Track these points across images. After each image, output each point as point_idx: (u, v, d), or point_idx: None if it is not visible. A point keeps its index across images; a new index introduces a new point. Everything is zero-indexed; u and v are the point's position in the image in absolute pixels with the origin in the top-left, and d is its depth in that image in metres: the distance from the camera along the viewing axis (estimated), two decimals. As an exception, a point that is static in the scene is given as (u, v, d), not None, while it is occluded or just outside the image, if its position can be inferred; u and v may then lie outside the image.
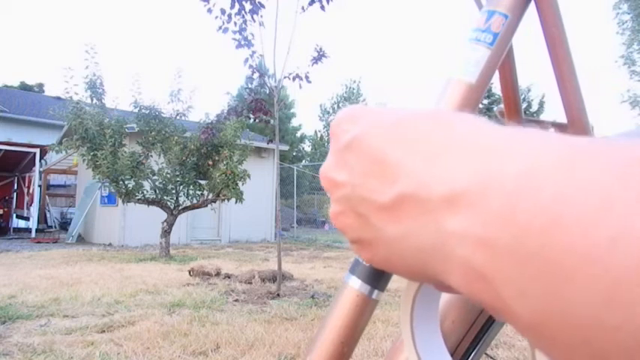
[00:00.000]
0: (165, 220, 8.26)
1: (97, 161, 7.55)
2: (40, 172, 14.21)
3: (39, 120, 18.33)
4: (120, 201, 8.68)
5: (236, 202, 8.15)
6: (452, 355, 0.44)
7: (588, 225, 0.13)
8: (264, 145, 11.57)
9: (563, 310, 0.14)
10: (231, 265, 7.08)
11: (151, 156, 8.34)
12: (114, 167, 7.55)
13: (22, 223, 14.78)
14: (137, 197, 8.16)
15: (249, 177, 8.19)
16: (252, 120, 5.73)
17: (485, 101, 20.17)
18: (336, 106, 31.41)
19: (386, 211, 0.21)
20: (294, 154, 29.60)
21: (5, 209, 14.60)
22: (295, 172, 16.48)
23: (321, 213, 20.81)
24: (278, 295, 4.61)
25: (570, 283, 0.13)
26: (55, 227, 14.88)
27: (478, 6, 0.43)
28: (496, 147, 0.17)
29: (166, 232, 8.19)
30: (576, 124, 0.47)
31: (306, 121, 64.52)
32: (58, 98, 11.05)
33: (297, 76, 4.95)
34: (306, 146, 32.32)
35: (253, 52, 4.79)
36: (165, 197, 8.41)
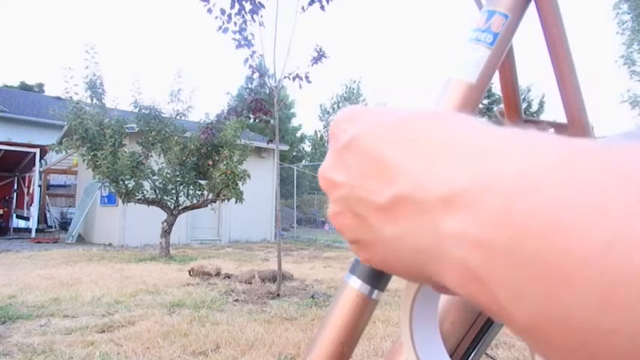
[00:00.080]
0: (165, 220, 8.27)
1: (97, 161, 7.55)
2: (40, 172, 14.21)
3: (39, 120, 18.33)
4: (120, 201, 8.69)
5: (236, 202, 8.15)
6: (452, 355, 0.44)
7: (585, 228, 0.13)
8: (264, 145, 11.57)
9: (559, 313, 0.14)
10: (231, 265, 7.08)
11: (151, 156, 8.34)
12: (114, 167, 7.55)
13: (22, 223, 14.78)
14: (137, 197, 8.16)
15: (249, 177, 8.19)
16: (252, 120, 5.73)
17: (485, 101, 20.16)
18: (336, 106, 31.41)
19: (383, 212, 0.21)
20: (294, 154, 29.61)
21: (5, 209, 14.60)
22: (295, 172, 16.48)
23: (321, 213, 20.82)
24: (278, 295, 4.61)
25: (567, 287, 0.13)
26: (55, 227, 14.88)
27: (478, 6, 0.43)
28: (494, 148, 0.17)
29: (166, 232, 8.19)
30: (576, 124, 0.47)
31: (306, 121, 64.56)
32: (58, 98, 11.05)
33: (297, 76, 4.95)
34: (306, 146, 32.34)
35: (253, 52, 4.79)
36: (165, 197, 8.41)
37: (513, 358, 2.75)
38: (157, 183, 8.35)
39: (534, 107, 24.22)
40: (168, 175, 8.36)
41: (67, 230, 13.29)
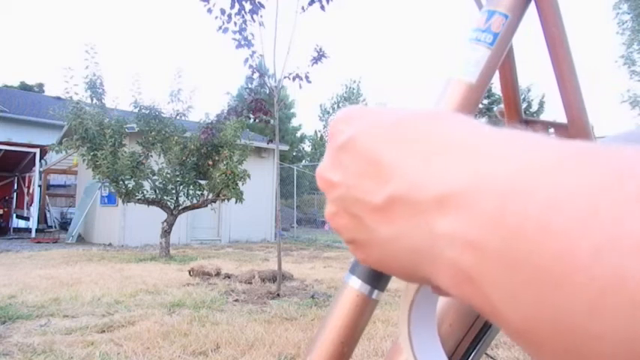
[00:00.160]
0: (165, 220, 8.27)
1: (97, 161, 7.55)
2: (40, 172, 14.21)
3: (39, 120, 18.33)
4: (120, 201, 8.69)
5: (236, 202, 8.15)
6: (452, 356, 0.44)
7: (575, 232, 0.13)
8: (264, 145, 11.57)
9: (551, 317, 0.14)
10: (231, 265, 7.08)
11: (151, 156, 8.34)
12: (114, 167, 7.55)
13: (22, 223, 14.78)
14: (137, 197, 8.16)
15: (249, 177, 8.19)
16: (252, 120, 5.73)
17: (485, 101, 20.17)
18: (336, 106, 31.41)
19: (379, 212, 0.21)
20: (294, 154, 29.61)
21: (5, 209, 14.60)
22: (295, 172, 16.48)
23: (321, 213, 20.78)
24: (278, 295, 4.61)
25: (558, 291, 0.13)
26: (55, 227, 14.89)
27: (478, 6, 0.43)
28: (490, 150, 0.17)
29: (166, 232, 8.19)
30: (576, 124, 0.47)
31: (306, 121, 64.53)
32: (58, 98, 11.06)
33: (297, 76, 4.95)
34: (306, 146, 32.34)
35: (253, 52, 4.79)
36: (165, 197, 8.42)
37: (513, 358, 2.75)
38: (157, 183, 8.35)
39: (534, 107, 24.22)
40: (168, 175, 8.36)
41: (67, 230, 13.29)
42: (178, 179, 8.41)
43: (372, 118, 0.23)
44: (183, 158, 8.30)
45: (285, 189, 19.88)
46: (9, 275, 5.57)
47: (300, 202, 21.20)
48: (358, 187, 0.22)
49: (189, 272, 5.77)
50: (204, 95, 49.70)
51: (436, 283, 0.19)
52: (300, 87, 5.02)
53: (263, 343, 3.01)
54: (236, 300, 4.44)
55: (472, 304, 0.17)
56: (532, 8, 0.39)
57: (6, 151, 12.82)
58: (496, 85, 0.49)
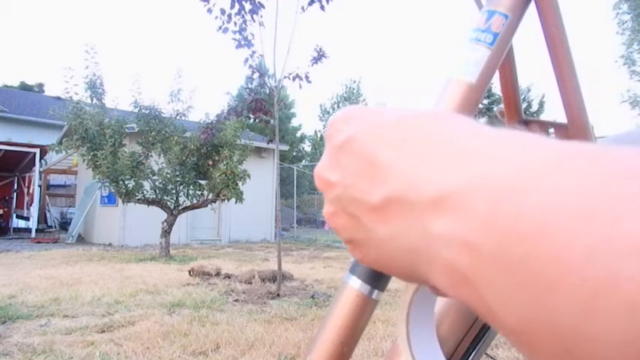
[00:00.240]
0: (165, 220, 8.27)
1: (97, 161, 7.55)
2: (40, 172, 14.21)
3: (39, 120, 18.33)
4: (120, 201, 8.69)
5: (236, 202, 8.15)
6: (452, 355, 0.44)
7: (569, 233, 0.13)
8: (264, 145, 11.57)
9: (545, 318, 0.14)
10: (231, 265, 7.08)
11: (151, 156, 8.34)
12: (114, 167, 7.55)
13: (22, 223, 14.78)
14: (137, 197, 8.16)
15: (249, 177, 8.19)
16: (252, 120, 5.73)
17: (485, 101, 20.17)
18: (336, 106, 31.41)
19: (376, 212, 0.21)
20: (294, 154, 29.61)
21: (5, 209, 14.60)
22: (295, 172, 16.48)
23: (321, 213, 20.66)
24: (278, 295, 4.61)
25: (552, 292, 0.13)
26: (55, 227, 14.89)
27: (478, 6, 0.43)
28: (487, 150, 0.17)
29: (166, 232, 8.19)
30: (576, 124, 0.47)
31: (306, 121, 64.50)
32: (58, 98, 11.06)
33: (297, 76, 4.95)
34: (306, 146, 32.33)
35: (253, 52, 4.79)
36: (165, 197, 8.42)
37: (513, 358, 2.75)
38: (157, 183, 8.35)
39: (534, 107, 24.22)
40: (168, 175, 8.36)
41: (67, 230, 13.29)
42: (178, 179, 8.41)
43: (371, 118, 0.24)
44: (183, 158, 8.30)
45: (285, 189, 19.88)
46: (9, 275, 5.57)
47: (300, 202, 21.19)
48: (355, 186, 0.22)
49: (189, 272, 5.77)
50: (204, 95, 49.75)
51: (433, 284, 0.19)
52: (300, 87, 5.02)
53: (263, 343, 3.01)
54: (236, 300, 4.44)
55: (468, 304, 0.17)
56: (532, 8, 0.39)
57: (6, 151, 12.82)
58: (496, 85, 0.49)
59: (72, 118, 7.63)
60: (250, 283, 5.27)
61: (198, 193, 8.64)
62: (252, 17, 4.63)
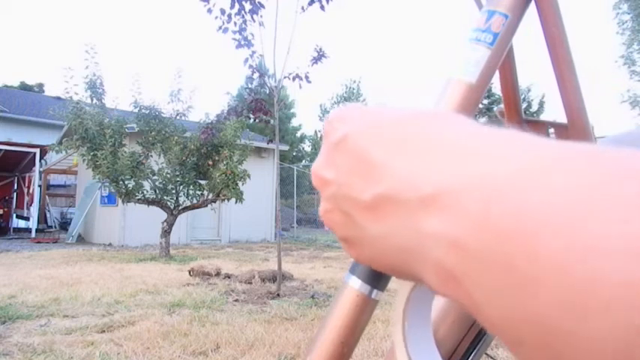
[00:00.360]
0: (165, 220, 8.27)
1: (97, 161, 7.55)
2: (40, 172, 14.21)
3: (39, 120, 18.33)
4: (120, 201, 8.69)
5: (236, 202, 8.15)
6: (452, 355, 0.44)
7: (550, 233, 0.14)
8: (264, 145, 11.57)
9: (529, 316, 0.14)
10: (231, 265, 7.08)
11: (151, 156, 8.34)
12: (114, 167, 7.55)
13: (22, 223, 14.78)
14: (137, 197, 8.16)
15: (249, 177, 8.19)
16: (252, 120, 5.73)
17: (485, 101, 20.16)
18: (336, 106, 31.41)
19: (369, 211, 0.21)
20: (294, 154, 29.61)
21: (5, 209, 14.60)
22: (295, 172, 16.49)
23: (321, 213, 20.71)
24: (278, 295, 4.61)
25: (534, 291, 0.14)
26: (55, 227, 14.89)
27: (478, 6, 0.43)
28: (482, 151, 0.18)
29: (166, 232, 8.19)
30: (576, 124, 0.47)
31: (306, 121, 64.44)
32: (58, 98, 11.06)
33: (297, 76, 4.95)
34: (306, 146, 32.32)
35: (253, 52, 4.79)
36: (165, 197, 8.42)
37: (513, 358, 2.74)
38: (157, 183, 8.35)
39: (534, 107, 24.21)
40: (168, 175, 8.36)
41: (67, 230, 13.29)
42: (178, 179, 8.41)
43: (367, 117, 0.24)
44: (183, 158, 8.30)
45: (285, 189, 19.88)
46: (9, 275, 5.57)
47: (300, 202, 21.19)
48: (349, 184, 0.22)
49: (189, 272, 5.77)
50: (204, 95, 49.73)
51: (424, 282, 0.19)
52: (300, 87, 5.02)
53: (263, 343, 3.01)
54: (236, 300, 4.44)
55: (457, 301, 0.17)
56: (532, 8, 0.39)
57: (6, 151, 12.82)
58: (496, 85, 0.49)
59: (72, 118, 7.63)
60: (250, 283, 5.27)
61: (198, 193, 8.64)
62: (252, 17, 4.63)
